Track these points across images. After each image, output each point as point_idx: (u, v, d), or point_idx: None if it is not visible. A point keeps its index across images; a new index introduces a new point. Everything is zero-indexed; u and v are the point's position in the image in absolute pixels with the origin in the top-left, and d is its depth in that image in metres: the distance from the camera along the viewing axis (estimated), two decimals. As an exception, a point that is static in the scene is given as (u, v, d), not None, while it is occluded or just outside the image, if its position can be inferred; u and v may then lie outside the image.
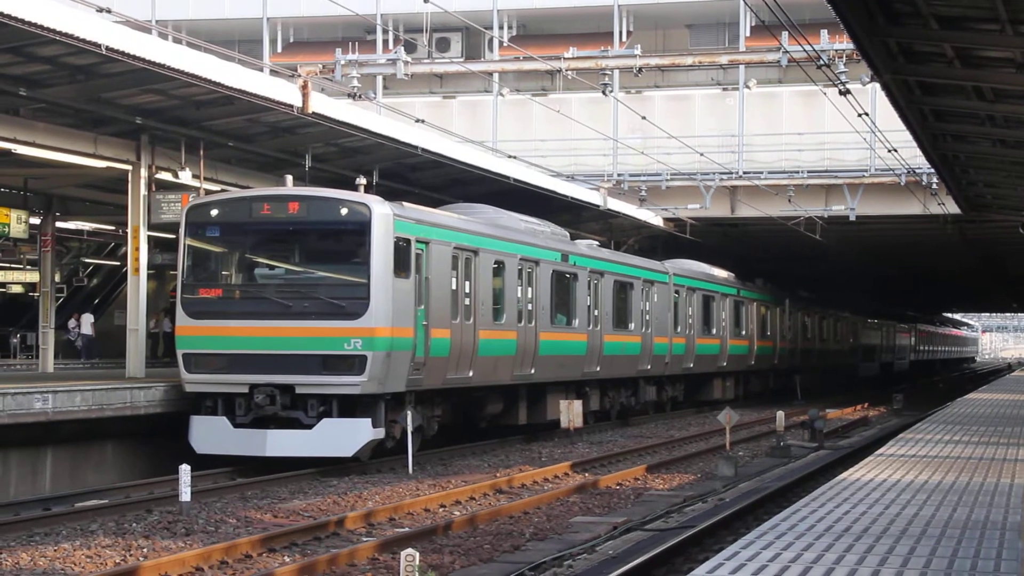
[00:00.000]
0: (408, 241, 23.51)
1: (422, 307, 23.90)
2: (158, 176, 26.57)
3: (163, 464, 22.45)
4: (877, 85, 22.66)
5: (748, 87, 45.07)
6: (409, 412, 23.50)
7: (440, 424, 25.90)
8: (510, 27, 49.47)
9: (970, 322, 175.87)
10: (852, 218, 42.58)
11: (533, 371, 29.13)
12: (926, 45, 16.68)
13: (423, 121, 31.01)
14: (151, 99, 24.34)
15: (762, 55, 34.52)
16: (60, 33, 19.38)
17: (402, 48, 33.94)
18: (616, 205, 40.53)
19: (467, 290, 25.99)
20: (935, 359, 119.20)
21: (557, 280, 30.69)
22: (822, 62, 27.79)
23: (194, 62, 22.31)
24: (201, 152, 26.88)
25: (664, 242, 47.88)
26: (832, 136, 42.36)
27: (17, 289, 47.62)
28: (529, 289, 29.12)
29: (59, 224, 33.84)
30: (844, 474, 16.51)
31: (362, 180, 24.51)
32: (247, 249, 23.92)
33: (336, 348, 22.46)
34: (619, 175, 43.36)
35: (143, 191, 26.12)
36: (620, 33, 47.16)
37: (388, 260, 22.89)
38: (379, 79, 45.49)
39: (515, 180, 33.91)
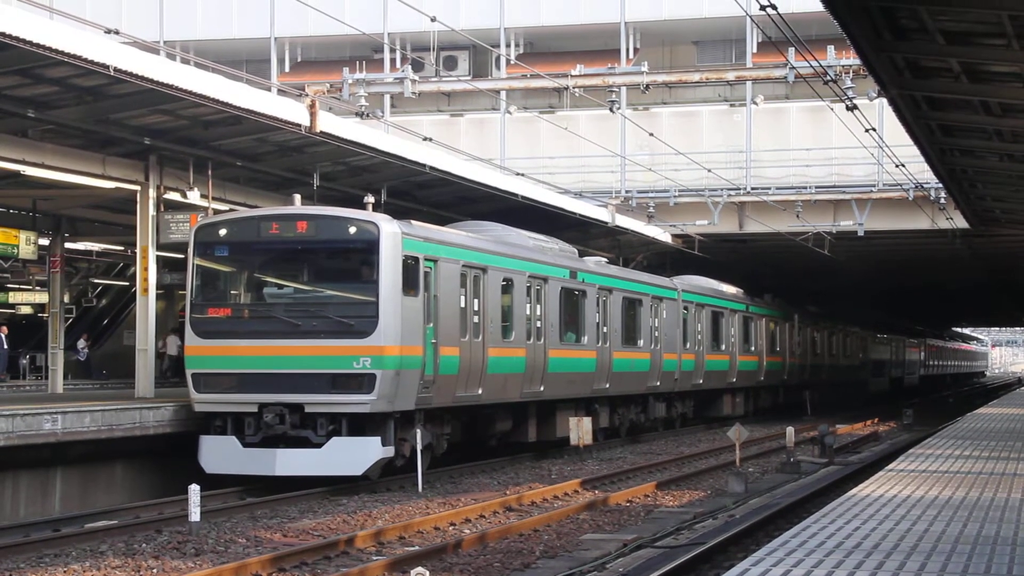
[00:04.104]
0: (416, 259, 23.52)
1: (431, 325, 23.91)
2: (166, 196, 26.61)
3: (172, 484, 22.45)
4: (884, 100, 22.63)
5: (755, 103, 45.09)
6: (418, 430, 23.50)
7: (449, 442, 25.87)
8: (517, 45, 49.53)
9: (980, 336, 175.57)
10: (860, 233, 42.56)
11: (542, 388, 29.11)
12: (933, 60, 16.70)
13: (431, 139, 31.04)
14: (159, 119, 24.39)
15: (769, 71, 34.52)
16: (68, 55, 19.42)
17: (409, 67, 33.96)
18: (624, 222, 40.54)
19: (476, 308, 25.98)
20: (945, 374, 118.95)
21: (566, 297, 30.68)
22: (829, 78, 27.80)
23: (202, 82, 22.35)
24: (209, 172, 26.92)
25: (673, 258, 47.87)
26: (840, 151, 42.36)
27: (26, 310, 47.70)
28: (538, 306, 29.11)
29: (68, 245, 33.89)
30: (854, 490, 16.49)
31: (370, 199, 24.52)
32: (256, 268, 23.94)
33: (345, 367, 22.46)
34: (627, 192, 43.37)
35: (152, 211, 26.16)
36: (627, 50, 47.19)
37: (397, 278, 22.90)
38: (387, 98, 45.61)
39: (523, 197, 33.93)
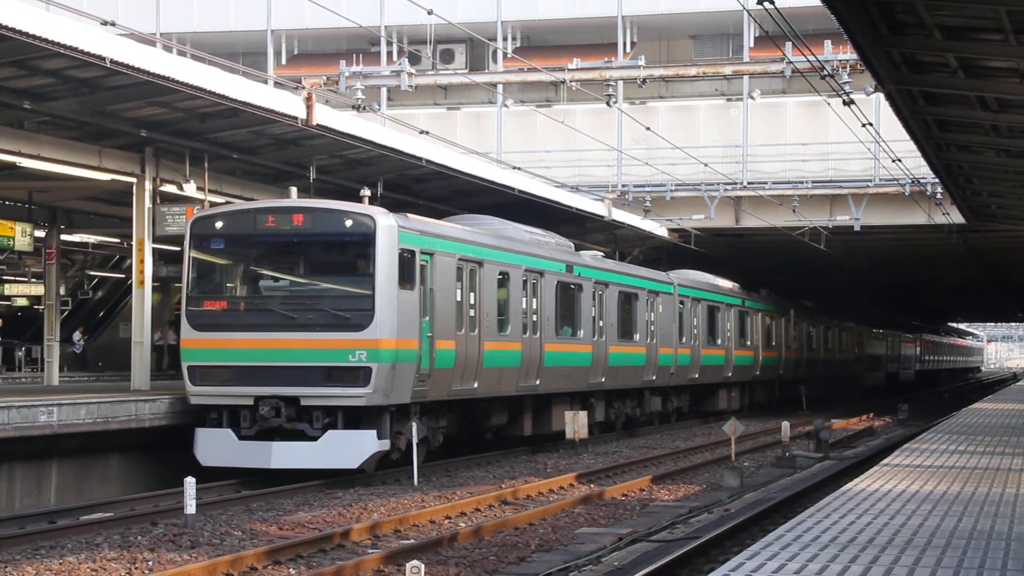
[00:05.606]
0: (413, 252, 23.51)
1: (427, 318, 23.90)
2: (163, 189, 26.59)
3: (168, 477, 22.44)
4: (881, 95, 22.64)
5: (752, 98, 45.10)
6: (414, 424, 23.49)
7: (445, 435, 25.88)
8: (514, 38, 49.52)
9: (975, 332, 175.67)
10: (857, 228, 42.57)
11: (538, 382, 29.11)
12: (929, 55, 16.69)
13: (427, 133, 31.00)
14: (155, 112, 24.37)
15: (766, 66, 34.47)
16: (64, 46, 19.40)
17: (406, 60, 33.88)
18: (621, 216, 40.54)
19: (472, 301, 25.98)
20: (940, 369, 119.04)
21: (562, 291, 30.68)
22: (826, 72, 27.80)
23: (198, 74, 22.34)
24: (205, 164, 26.91)
25: (669, 253, 47.88)
26: (836, 146, 42.40)
27: (22, 302, 47.63)
28: (534, 300, 29.10)
29: (64, 237, 33.85)
30: (849, 484, 16.50)
31: (366, 192, 24.51)
32: (252, 261, 23.93)
33: (341, 360, 22.46)
34: (623, 186, 43.37)
35: (148, 204, 26.14)
36: (624, 44, 47.20)
37: (393, 272, 22.89)
38: (383, 91, 45.52)
39: (519, 191, 33.92)
